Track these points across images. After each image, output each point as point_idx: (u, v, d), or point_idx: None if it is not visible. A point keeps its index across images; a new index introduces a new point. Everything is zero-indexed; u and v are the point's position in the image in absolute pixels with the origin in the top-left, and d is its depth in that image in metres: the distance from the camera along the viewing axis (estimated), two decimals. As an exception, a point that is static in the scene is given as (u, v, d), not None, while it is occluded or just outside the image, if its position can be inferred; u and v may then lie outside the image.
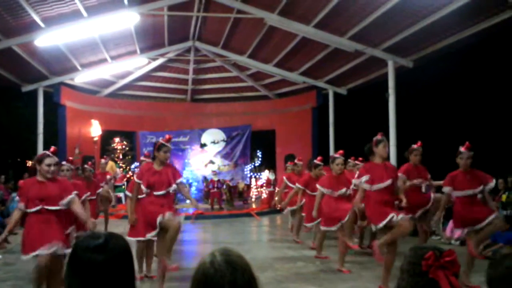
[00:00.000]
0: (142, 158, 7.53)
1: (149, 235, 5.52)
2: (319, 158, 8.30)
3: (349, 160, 8.28)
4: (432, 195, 6.65)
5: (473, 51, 12.83)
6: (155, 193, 5.37)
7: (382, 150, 5.50)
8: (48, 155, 4.80)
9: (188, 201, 17.49)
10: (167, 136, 5.56)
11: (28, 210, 4.65)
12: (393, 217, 5.15)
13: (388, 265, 5.31)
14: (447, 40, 11.00)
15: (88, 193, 6.44)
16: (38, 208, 4.63)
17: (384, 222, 5.21)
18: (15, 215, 4.81)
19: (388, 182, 5.33)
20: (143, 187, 5.42)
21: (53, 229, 4.64)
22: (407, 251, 1.76)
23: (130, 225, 6.07)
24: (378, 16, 10.55)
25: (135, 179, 5.63)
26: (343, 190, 6.62)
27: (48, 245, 4.50)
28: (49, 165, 4.72)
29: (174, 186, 5.41)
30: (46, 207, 4.66)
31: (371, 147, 5.60)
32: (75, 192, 4.94)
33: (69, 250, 4.80)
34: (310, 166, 8.44)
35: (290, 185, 8.94)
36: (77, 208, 4.89)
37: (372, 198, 5.43)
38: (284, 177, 9.45)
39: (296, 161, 9.70)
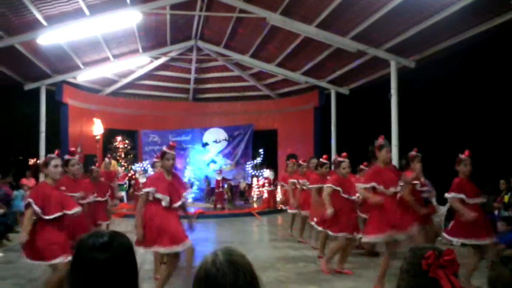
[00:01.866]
0: (154, 159, 7.39)
1: (163, 250, 5.05)
2: (324, 156, 8.25)
3: (361, 166, 8.14)
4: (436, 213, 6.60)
5: (476, 51, 12.79)
6: (173, 205, 5.12)
7: (385, 155, 5.44)
8: (53, 157, 4.80)
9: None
10: (170, 143, 5.39)
11: (47, 217, 4.51)
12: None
13: (384, 265, 5.27)
14: (450, 41, 11.00)
15: (95, 195, 6.42)
16: (59, 214, 4.59)
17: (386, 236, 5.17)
18: (29, 217, 4.52)
19: (399, 187, 5.32)
20: (160, 195, 5.02)
21: (68, 236, 4.68)
22: (407, 251, 1.75)
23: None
24: (380, 16, 10.54)
25: (147, 190, 5.07)
26: (355, 196, 6.46)
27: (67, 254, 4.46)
28: (56, 166, 4.71)
29: (184, 197, 5.27)
30: (67, 212, 4.66)
31: (374, 151, 5.52)
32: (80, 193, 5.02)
33: None
34: (316, 165, 8.31)
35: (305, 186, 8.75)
36: None
37: (384, 204, 5.29)
38: (292, 180, 9.39)
39: (300, 162, 9.69)
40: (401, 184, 5.54)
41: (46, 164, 4.72)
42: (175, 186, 5.20)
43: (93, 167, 8.01)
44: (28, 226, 4.48)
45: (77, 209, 4.76)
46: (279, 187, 17.38)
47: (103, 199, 7.67)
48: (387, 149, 5.45)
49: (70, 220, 4.83)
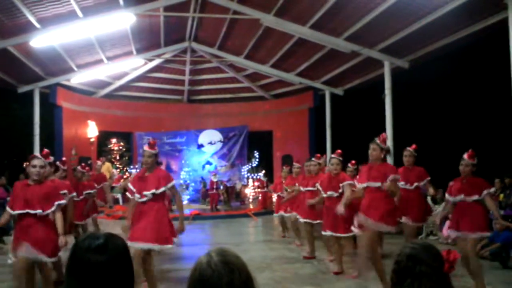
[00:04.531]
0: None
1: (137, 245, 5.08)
2: (317, 155, 8.31)
3: (348, 164, 8.11)
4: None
5: (469, 52, 12.87)
6: (139, 200, 5.25)
7: (370, 152, 5.60)
8: (36, 157, 4.83)
9: (184, 202, 17.56)
10: (149, 141, 5.49)
11: (12, 212, 4.71)
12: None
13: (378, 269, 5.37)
14: (443, 41, 11.04)
15: (74, 194, 6.37)
16: (22, 211, 4.64)
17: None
18: (4, 216, 4.86)
19: (363, 184, 5.50)
20: (134, 194, 5.30)
21: (32, 234, 4.62)
22: (406, 251, 1.74)
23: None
24: (374, 17, 10.57)
25: (128, 185, 5.51)
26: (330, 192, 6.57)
27: (24, 249, 4.51)
28: (34, 166, 4.73)
29: (149, 193, 5.18)
30: (29, 211, 4.65)
31: None
32: (61, 201, 4.93)
33: (52, 259, 4.73)
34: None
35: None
36: (58, 218, 4.85)
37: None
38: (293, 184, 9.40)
39: (294, 163, 9.71)
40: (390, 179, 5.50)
41: (29, 162, 4.80)
42: (145, 182, 5.27)
43: (77, 167, 8.03)
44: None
45: (39, 211, 4.67)
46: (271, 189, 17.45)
47: (78, 199, 7.66)
48: (370, 145, 5.60)
49: (47, 221, 4.81)
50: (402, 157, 6.91)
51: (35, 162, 4.76)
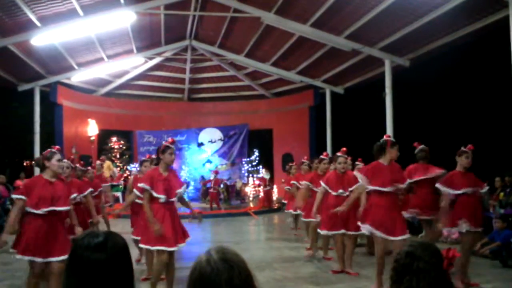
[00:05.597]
0: (143, 158, 7.38)
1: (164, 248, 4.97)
2: (325, 154, 8.21)
3: (356, 162, 8.04)
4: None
5: (469, 50, 12.85)
6: (169, 200, 5.09)
7: (395, 153, 5.39)
8: (56, 152, 4.76)
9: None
10: (170, 139, 5.35)
11: (36, 211, 4.47)
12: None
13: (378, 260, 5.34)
14: (444, 39, 11.04)
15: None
16: (49, 209, 4.51)
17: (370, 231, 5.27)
18: (15, 215, 4.58)
19: (390, 188, 5.24)
20: (156, 194, 5.00)
21: (57, 236, 4.58)
22: (405, 250, 1.74)
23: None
24: (375, 15, 10.57)
25: (143, 186, 5.05)
26: (340, 190, 6.39)
27: (45, 254, 4.46)
28: (59, 160, 4.71)
29: (180, 191, 5.21)
30: (57, 208, 4.57)
31: (384, 146, 5.39)
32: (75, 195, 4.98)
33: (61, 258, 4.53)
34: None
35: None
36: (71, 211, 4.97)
37: (374, 202, 5.34)
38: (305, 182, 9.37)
39: (303, 160, 9.65)
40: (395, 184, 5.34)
41: (48, 158, 4.65)
42: (171, 182, 5.15)
43: (77, 165, 8.02)
44: (14, 220, 4.56)
45: (67, 208, 4.69)
46: (275, 187, 17.44)
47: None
48: (398, 147, 5.44)
49: (60, 218, 4.78)
50: (412, 153, 6.80)
51: (59, 156, 4.71)
